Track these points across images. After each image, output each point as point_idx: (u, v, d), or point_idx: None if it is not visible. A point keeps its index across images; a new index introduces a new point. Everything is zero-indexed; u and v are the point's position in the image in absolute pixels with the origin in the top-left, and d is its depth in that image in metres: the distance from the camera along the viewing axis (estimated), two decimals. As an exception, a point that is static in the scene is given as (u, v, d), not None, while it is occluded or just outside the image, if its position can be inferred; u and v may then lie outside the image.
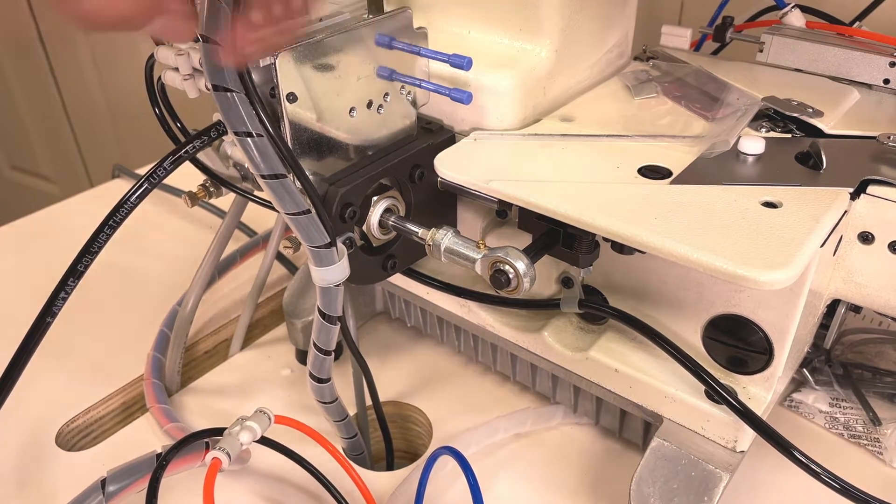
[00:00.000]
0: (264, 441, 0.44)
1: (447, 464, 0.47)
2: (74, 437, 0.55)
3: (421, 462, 0.50)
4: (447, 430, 0.52)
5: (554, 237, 0.42)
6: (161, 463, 0.41)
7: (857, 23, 0.56)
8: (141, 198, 0.39)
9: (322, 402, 0.47)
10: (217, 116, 0.44)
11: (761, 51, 0.55)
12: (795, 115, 0.47)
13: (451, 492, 0.47)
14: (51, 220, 0.80)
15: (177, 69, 0.42)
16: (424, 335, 0.60)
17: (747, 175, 0.41)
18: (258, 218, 0.69)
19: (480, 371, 0.57)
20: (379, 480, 0.49)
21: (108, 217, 0.38)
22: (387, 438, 0.53)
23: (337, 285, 0.40)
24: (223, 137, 0.44)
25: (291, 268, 0.69)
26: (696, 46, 0.62)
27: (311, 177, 0.41)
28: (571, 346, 0.48)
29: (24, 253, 0.73)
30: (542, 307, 0.49)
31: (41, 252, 0.74)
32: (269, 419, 0.44)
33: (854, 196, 0.40)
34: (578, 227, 0.38)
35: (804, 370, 0.53)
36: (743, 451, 0.43)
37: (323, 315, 0.41)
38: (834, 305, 0.49)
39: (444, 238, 0.41)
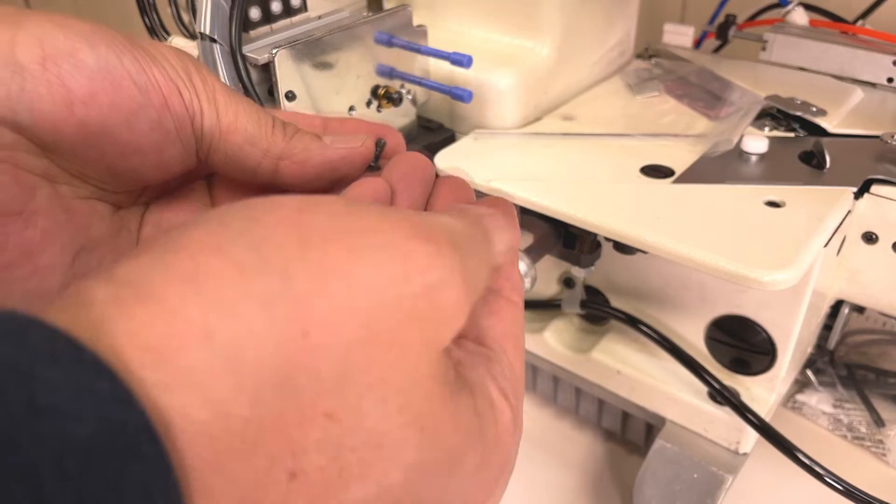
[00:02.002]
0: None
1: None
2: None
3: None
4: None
5: (555, 237, 0.42)
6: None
7: (861, 21, 0.56)
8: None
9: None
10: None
11: (764, 49, 0.54)
12: (799, 113, 0.46)
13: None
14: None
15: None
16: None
17: (750, 174, 0.41)
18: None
19: (481, 372, 0.57)
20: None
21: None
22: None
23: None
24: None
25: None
26: (696, 44, 0.62)
27: (309, 176, 0.40)
28: (573, 347, 0.47)
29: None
30: (544, 308, 0.49)
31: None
32: None
33: (858, 195, 0.39)
34: (580, 227, 0.38)
35: (808, 371, 0.53)
36: (746, 453, 0.43)
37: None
38: (837, 306, 0.48)
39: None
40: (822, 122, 0.45)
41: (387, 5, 0.44)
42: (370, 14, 0.43)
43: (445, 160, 0.44)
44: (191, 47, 0.41)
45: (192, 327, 0.14)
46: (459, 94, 0.41)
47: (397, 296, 0.16)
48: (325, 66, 0.39)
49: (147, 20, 0.43)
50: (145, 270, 0.14)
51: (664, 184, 0.40)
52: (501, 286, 0.23)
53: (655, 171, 0.41)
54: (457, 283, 0.17)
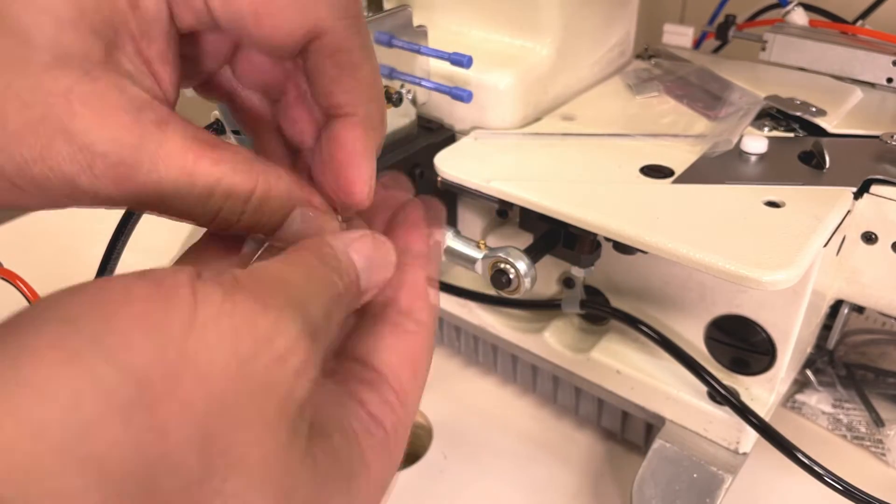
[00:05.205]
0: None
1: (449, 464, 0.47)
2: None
3: (422, 463, 0.50)
4: (447, 432, 0.52)
5: (555, 237, 0.42)
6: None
7: (860, 21, 0.56)
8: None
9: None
10: (216, 115, 0.43)
11: (764, 49, 0.54)
12: (798, 113, 0.46)
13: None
14: (47, 221, 0.79)
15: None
16: (424, 336, 0.60)
17: (750, 174, 0.41)
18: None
19: (481, 373, 0.57)
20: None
21: (122, 224, 0.39)
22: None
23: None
24: (221, 137, 0.44)
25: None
26: (696, 45, 0.62)
27: (310, 176, 0.40)
28: (573, 347, 0.48)
29: (21, 254, 0.73)
30: (544, 308, 0.49)
31: (37, 253, 0.73)
32: None
33: (857, 195, 0.39)
34: (580, 227, 0.38)
35: (807, 371, 0.53)
36: (745, 453, 0.43)
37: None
38: (837, 306, 0.48)
39: (444, 238, 0.41)
40: (822, 122, 0.45)
41: (387, 5, 0.44)
42: (370, 14, 0.43)
43: (445, 160, 0.44)
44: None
45: (54, 447, 0.13)
46: (459, 95, 0.41)
47: (247, 373, 0.16)
48: (325, 66, 0.39)
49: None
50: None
51: (664, 184, 0.40)
52: (410, 308, 0.23)
53: (655, 171, 0.41)
54: (303, 343, 0.17)
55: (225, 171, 0.21)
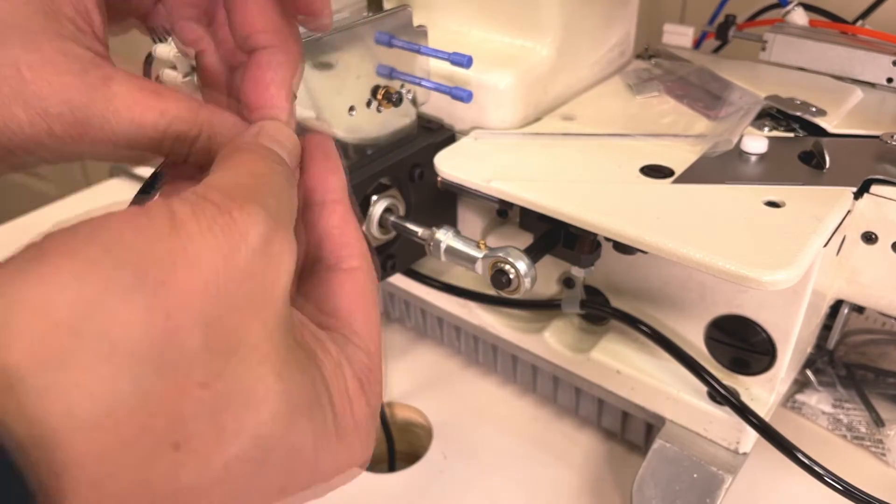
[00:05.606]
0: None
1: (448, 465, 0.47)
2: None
3: (421, 463, 0.50)
4: (447, 433, 0.52)
5: (555, 237, 0.42)
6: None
7: (861, 21, 0.56)
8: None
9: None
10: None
11: (764, 49, 0.54)
12: (798, 113, 0.46)
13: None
14: (47, 221, 0.79)
15: (175, 67, 0.42)
16: (424, 336, 0.60)
17: (750, 174, 0.41)
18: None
19: (481, 373, 0.57)
20: (379, 482, 0.49)
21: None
22: (389, 440, 0.53)
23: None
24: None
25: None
26: (696, 45, 0.62)
27: (309, 176, 0.40)
28: (573, 347, 0.48)
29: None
30: (544, 308, 0.49)
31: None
32: None
33: (857, 195, 0.39)
34: (580, 227, 0.38)
35: (807, 371, 0.53)
36: (745, 453, 0.43)
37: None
38: (837, 306, 0.48)
39: (444, 238, 0.41)
40: (822, 122, 0.45)
41: (387, 6, 0.44)
42: (370, 14, 0.43)
43: (445, 160, 0.44)
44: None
45: (62, 326, 0.15)
46: (459, 95, 0.41)
47: (232, 265, 0.18)
48: (325, 66, 0.39)
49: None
50: (10, 279, 0.15)
51: (664, 184, 0.40)
52: (336, 257, 0.24)
53: (655, 171, 0.41)
54: (277, 232, 0.19)
55: (171, 119, 0.23)
